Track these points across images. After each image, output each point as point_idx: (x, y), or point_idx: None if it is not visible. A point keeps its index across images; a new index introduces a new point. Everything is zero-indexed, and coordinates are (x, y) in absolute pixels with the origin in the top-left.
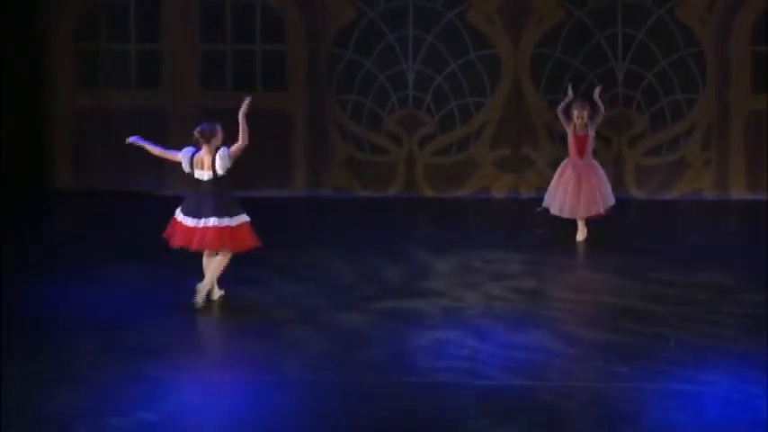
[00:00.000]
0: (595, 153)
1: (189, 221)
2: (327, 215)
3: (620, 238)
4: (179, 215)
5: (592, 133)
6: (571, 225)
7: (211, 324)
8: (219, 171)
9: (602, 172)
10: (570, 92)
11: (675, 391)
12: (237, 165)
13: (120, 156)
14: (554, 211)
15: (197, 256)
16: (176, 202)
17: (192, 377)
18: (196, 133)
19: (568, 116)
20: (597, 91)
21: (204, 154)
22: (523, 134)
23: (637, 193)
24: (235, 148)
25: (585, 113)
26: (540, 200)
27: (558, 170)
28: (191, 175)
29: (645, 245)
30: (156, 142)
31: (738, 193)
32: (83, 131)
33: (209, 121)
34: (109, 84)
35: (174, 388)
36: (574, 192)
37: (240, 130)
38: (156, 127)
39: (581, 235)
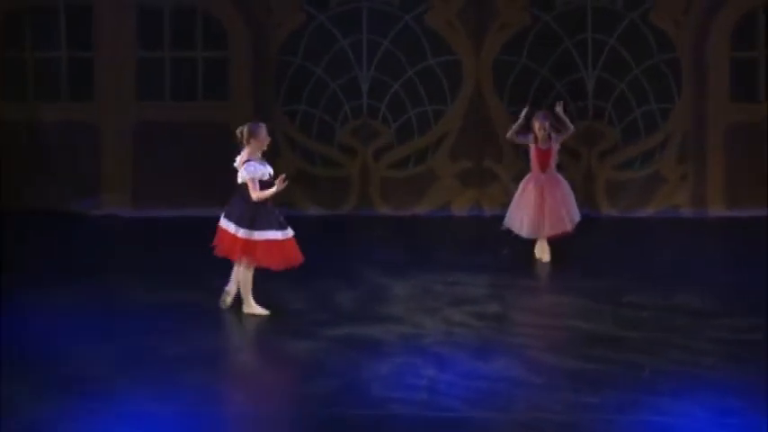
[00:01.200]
0: (561, 168)
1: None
2: None
3: (591, 259)
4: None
5: (556, 146)
6: (534, 246)
7: (151, 352)
8: (239, 179)
9: (566, 186)
10: (522, 116)
11: (650, 422)
12: (174, 180)
13: (49, 173)
14: (516, 230)
15: (135, 275)
16: (109, 222)
17: (130, 411)
18: (237, 132)
19: (527, 130)
20: (559, 107)
21: (242, 155)
22: (486, 146)
23: (608, 210)
24: (252, 185)
25: (547, 124)
26: (504, 217)
27: (520, 186)
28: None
29: (617, 265)
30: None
31: (717, 209)
32: (8, 146)
33: (255, 121)
34: (37, 95)
35: (114, 423)
36: (537, 209)
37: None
38: (88, 142)
39: (545, 255)
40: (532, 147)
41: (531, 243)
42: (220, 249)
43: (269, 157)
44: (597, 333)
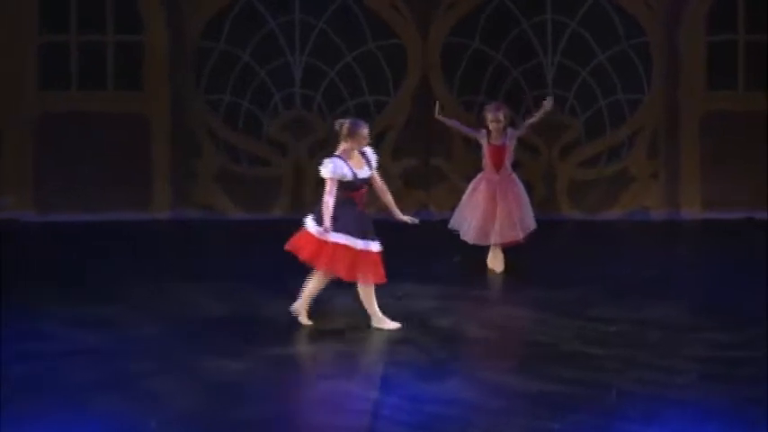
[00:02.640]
0: (518, 165)
1: None
2: (196, 241)
3: (552, 267)
4: None
5: (512, 142)
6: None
7: (57, 374)
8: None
9: (521, 190)
10: (437, 113)
11: None
12: (82, 181)
13: None
14: (463, 235)
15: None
16: (7, 228)
17: None
18: (336, 125)
19: (479, 123)
20: (549, 102)
21: (338, 149)
22: (434, 141)
23: (571, 212)
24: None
25: (501, 116)
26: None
27: (470, 186)
28: None
29: (581, 275)
30: None
31: (691, 211)
32: None
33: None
34: None
35: None
36: (486, 213)
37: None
38: None
39: (498, 265)
40: (484, 143)
41: (485, 250)
42: (299, 252)
43: (188, 153)
44: (560, 350)
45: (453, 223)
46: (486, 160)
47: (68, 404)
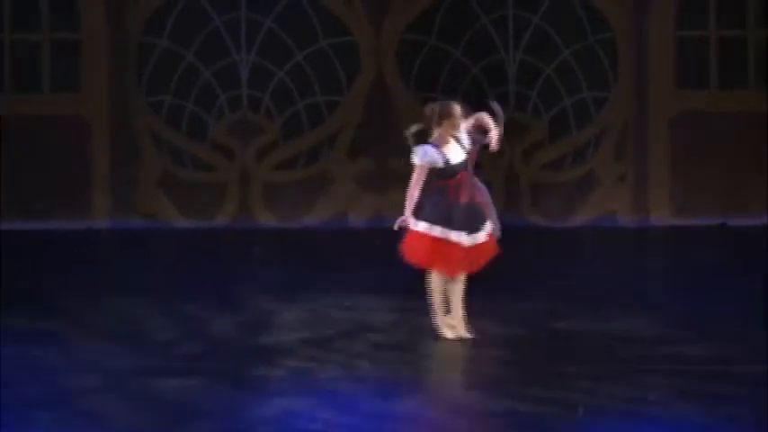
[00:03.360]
0: (478, 167)
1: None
2: (138, 251)
3: (515, 277)
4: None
5: (475, 146)
6: None
7: None
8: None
9: (485, 194)
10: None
11: None
12: (17, 188)
13: None
14: None
15: None
16: None
17: None
18: (426, 111)
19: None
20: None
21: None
22: (390, 142)
23: (534, 218)
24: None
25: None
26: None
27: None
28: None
29: (546, 284)
30: None
31: (661, 216)
32: None
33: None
34: None
35: None
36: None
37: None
38: None
39: None
40: None
41: None
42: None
43: (128, 157)
44: (524, 366)
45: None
46: None
47: (9, 423)
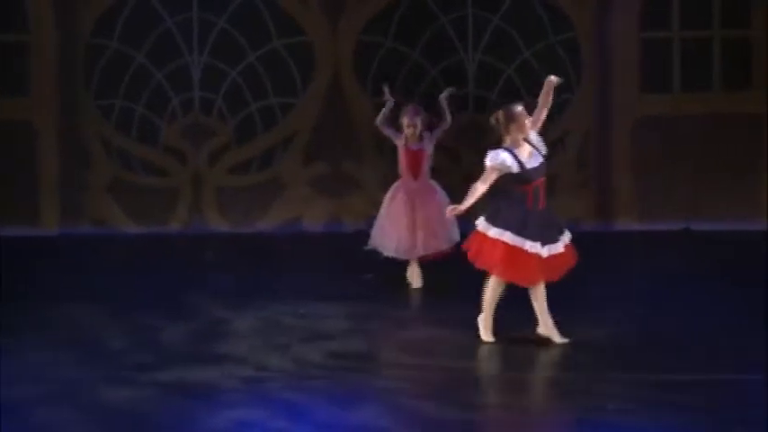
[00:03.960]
0: (438, 172)
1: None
2: (88, 258)
3: (473, 284)
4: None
5: (430, 147)
6: (405, 268)
7: None
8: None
9: (443, 197)
10: (387, 93)
11: None
12: None
13: None
14: (384, 250)
15: None
16: None
17: None
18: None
19: (396, 125)
20: (446, 93)
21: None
22: (345, 146)
23: None
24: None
25: (419, 121)
26: (368, 234)
27: (387, 196)
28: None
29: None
30: None
31: (625, 222)
32: None
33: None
34: None
35: None
36: (409, 225)
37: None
38: None
39: (417, 280)
40: (401, 148)
41: (401, 265)
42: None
43: (78, 163)
44: (482, 374)
45: (372, 242)
46: (403, 166)
47: None
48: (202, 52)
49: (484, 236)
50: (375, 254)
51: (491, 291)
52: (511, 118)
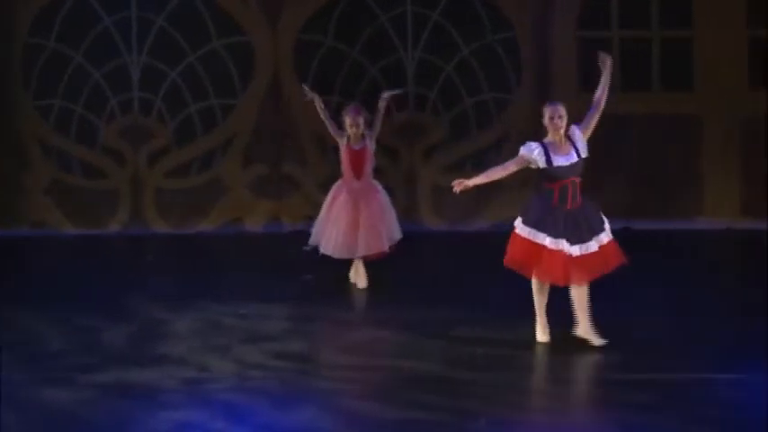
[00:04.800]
0: (378, 171)
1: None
2: (26, 260)
3: (415, 284)
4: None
5: (372, 146)
6: (349, 268)
7: None
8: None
9: (385, 197)
10: (309, 92)
11: None
12: None
13: None
14: (324, 249)
15: None
16: None
17: None
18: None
19: (340, 124)
20: (388, 94)
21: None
22: (286, 147)
23: (434, 222)
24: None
25: (361, 120)
26: (308, 234)
27: (329, 196)
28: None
29: (446, 292)
30: None
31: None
32: None
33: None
34: None
35: None
36: (350, 224)
37: None
38: None
39: (361, 280)
40: (343, 147)
41: (343, 265)
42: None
43: (15, 164)
44: (423, 374)
45: (313, 240)
46: (345, 166)
47: None
48: (141, 52)
49: (513, 230)
50: (316, 254)
51: (533, 291)
52: (545, 115)
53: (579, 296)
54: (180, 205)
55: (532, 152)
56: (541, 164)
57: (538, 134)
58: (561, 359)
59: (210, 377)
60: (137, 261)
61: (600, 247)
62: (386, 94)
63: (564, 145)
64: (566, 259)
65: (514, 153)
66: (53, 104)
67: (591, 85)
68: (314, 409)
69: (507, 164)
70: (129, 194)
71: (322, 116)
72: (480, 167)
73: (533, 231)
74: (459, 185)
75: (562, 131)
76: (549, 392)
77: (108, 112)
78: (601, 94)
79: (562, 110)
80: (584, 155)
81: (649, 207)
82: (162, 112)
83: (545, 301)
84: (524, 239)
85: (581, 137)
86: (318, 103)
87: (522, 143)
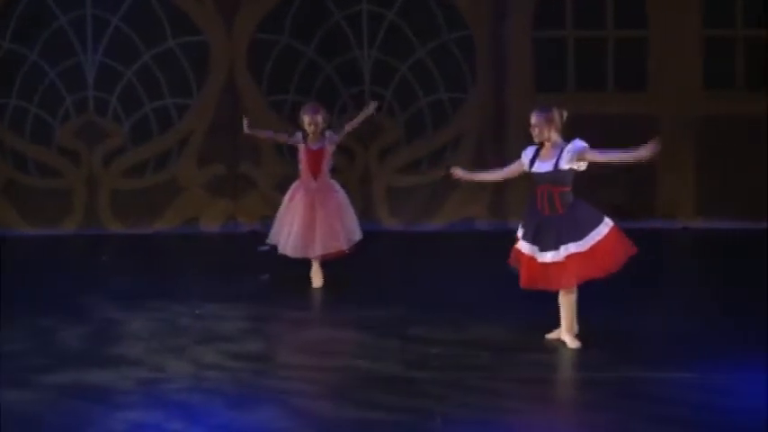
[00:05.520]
0: (335, 171)
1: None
2: None
3: (371, 283)
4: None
5: (331, 146)
6: (306, 268)
7: None
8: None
9: (343, 197)
10: (246, 125)
11: None
12: None
13: None
14: (282, 249)
15: None
16: None
17: None
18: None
19: (290, 124)
20: (371, 109)
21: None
22: (241, 146)
23: (390, 222)
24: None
25: (320, 119)
26: (265, 234)
27: (287, 195)
28: None
29: (401, 291)
30: None
31: (518, 220)
32: None
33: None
34: None
35: None
36: (307, 223)
37: None
38: None
39: (317, 280)
40: (301, 146)
41: (300, 265)
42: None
43: None
44: (380, 374)
45: (272, 238)
46: (303, 166)
47: None
48: (96, 51)
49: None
50: (272, 254)
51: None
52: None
53: (563, 300)
54: (136, 205)
55: (525, 154)
56: (526, 166)
57: (494, 134)
58: (518, 359)
59: (167, 378)
60: (93, 261)
61: (567, 258)
62: (373, 105)
63: (549, 152)
64: (534, 265)
65: (469, 153)
66: (8, 104)
67: (546, 84)
68: (270, 410)
69: (509, 165)
70: (84, 194)
71: (271, 140)
72: (436, 167)
73: (519, 233)
74: (456, 173)
75: (539, 138)
76: (504, 392)
77: (63, 112)
78: (608, 158)
79: (534, 118)
80: (564, 166)
81: (602, 207)
82: (117, 111)
83: (563, 306)
84: (516, 241)
85: (573, 151)
86: (259, 134)
87: (478, 143)
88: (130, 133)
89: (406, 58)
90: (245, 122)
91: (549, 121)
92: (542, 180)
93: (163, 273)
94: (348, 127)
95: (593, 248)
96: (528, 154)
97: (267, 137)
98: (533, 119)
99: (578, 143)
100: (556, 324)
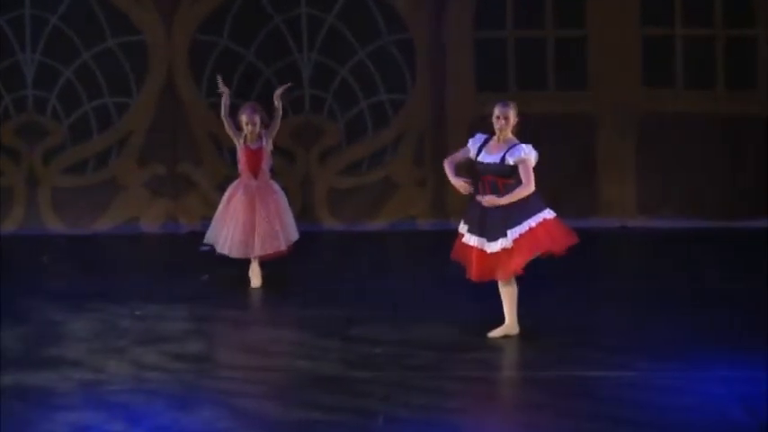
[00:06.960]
0: (275, 173)
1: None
2: None
3: (313, 283)
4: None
5: (268, 145)
6: (245, 268)
7: None
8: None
9: (282, 197)
10: (222, 85)
11: None
12: None
13: None
14: (221, 249)
15: None
16: None
17: None
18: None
19: (237, 123)
20: (280, 90)
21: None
22: (181, 146)
23: (331, 222)
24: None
25: (257, 119)
26: (204, 234)
27: (226, 194)
28: None
29: (342, 291)
30: None
31: (460, 220)
32: None
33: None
34: None
35: None
36: (246, 223)
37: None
38: None
39: (256, 280)
40: (240, 146)
41: (240, 265)
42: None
43: None
44: (321, 374)
45: (209, 236)
46: (243, 165)
47: None
48: (35, 50)
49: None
50: (212, 254)
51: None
52: (494, 111)
53: (505, 292)
54: (76, 204)
55: (470, 142)
56: (472, 153)
57: (434, 135)
58: (461, 358)
59: (108, 379)
60: (32, 261)
61: (503, 249)
62: (279, 91)
63: (498, 146)
64: (478, 255)
65: (411, 152)
66: None
67: (487, 83)
68: (212, 410)
69: (456, 153)
70: (24, 194)
71: (223, 113)
72: (377, 169)
73: (463, 228)
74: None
75: (502, 133)
76: (447, 392)
77: (2, 110)
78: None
79: (508, 112)
80: (510, 161)
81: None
82: (57, 110)
83: (503, 297)
84: (460, 236)
85: (520, 154)
86: (225, 99)
87: (418, 143)
88: (70, 132)
89: (346, 60)
90: (219, 80)
91: (512, 117)
92: (487, 171)
93: (103, 273)
94: (277, 120)
95: (538, 226)
96: (476, 142)
97: (224, 108)
98: (499, 110)
99: (529, 151)
100: (499, 322)
